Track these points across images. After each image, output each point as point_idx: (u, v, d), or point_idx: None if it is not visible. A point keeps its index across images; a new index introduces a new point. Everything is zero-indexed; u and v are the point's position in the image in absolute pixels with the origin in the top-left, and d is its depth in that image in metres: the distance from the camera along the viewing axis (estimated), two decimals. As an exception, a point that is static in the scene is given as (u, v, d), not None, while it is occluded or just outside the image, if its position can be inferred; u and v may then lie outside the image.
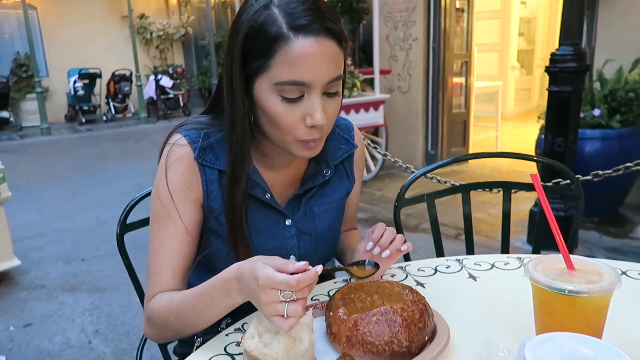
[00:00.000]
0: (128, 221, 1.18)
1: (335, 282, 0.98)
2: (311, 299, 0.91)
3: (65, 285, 2.93)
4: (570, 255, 0.71)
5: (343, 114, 4.56)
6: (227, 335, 0.81)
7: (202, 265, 0.97)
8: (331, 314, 0.74)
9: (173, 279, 0.88)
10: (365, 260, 0.83)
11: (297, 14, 0.76)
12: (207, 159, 0.89)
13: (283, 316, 0.66)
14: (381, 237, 0.90)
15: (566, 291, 0.63)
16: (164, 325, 0.84)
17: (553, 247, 0.73)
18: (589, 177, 2.35)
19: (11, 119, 9.13)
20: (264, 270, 0.66)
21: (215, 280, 0.76)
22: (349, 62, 4.36)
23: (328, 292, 0.94)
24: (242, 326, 0.83)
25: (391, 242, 0.90)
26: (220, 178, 0.90)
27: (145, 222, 1.18)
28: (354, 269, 0.79)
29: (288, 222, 0.96)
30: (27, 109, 9.63)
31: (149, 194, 1.12)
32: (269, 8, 0.77)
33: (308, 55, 0.76)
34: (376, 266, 0.80)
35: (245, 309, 0.93)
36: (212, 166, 0.89)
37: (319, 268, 0.67)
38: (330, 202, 1.00)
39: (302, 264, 0.67)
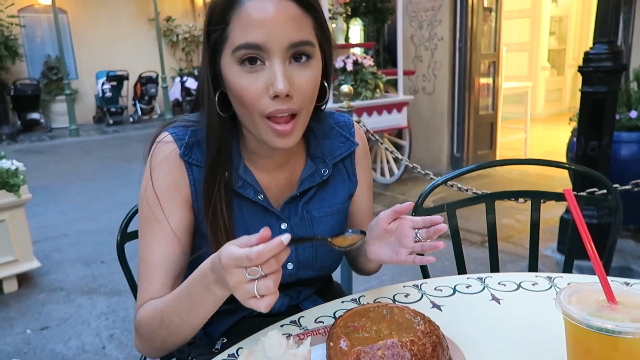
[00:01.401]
0: (131, 229, 1.13)
1: (342, 302, 0.89)
2: (314, 321, 0.83)
3: (83, 288, 2.92)
4: (611, 281, 0.60)
5: (365, 116, 4.46)
6: (219, 362, 0.74)
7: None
8: (332, 344, 0.66)
9: (163, 286, 0.81)
10: (347, 230, 0.73)
11: None
12: (193, 157, 0.84)
13: (256, 297, 0.59)
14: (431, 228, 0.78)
15: (607, 330, 0.54)
16: (150, 335, 0.78)
17: (587, 257, 0.62)
18: (628, 187, 2.13)
19: (41, 120, 9.34)
20: (225, 249, 0.60)
21: (192, 277, 0.69)
22: (371, 62, 4.25)
23: (334, 314, 0.85)
24: (237, 352, 0.76)
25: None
26: None
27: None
28: (334, 239, 0.69)
29: (284, 226, 0.89)
30: (56, 111, 9.85)
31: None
32: None
33: (260, 15, 0.72)
34: (362, 233, 0.70)
35: (242, 330, 0.86)
36: (199, 164, 0.83)
37: (285, 237, 0.59)
38: (331, 205, 0.92)
39: (262, 232, 0.59)
